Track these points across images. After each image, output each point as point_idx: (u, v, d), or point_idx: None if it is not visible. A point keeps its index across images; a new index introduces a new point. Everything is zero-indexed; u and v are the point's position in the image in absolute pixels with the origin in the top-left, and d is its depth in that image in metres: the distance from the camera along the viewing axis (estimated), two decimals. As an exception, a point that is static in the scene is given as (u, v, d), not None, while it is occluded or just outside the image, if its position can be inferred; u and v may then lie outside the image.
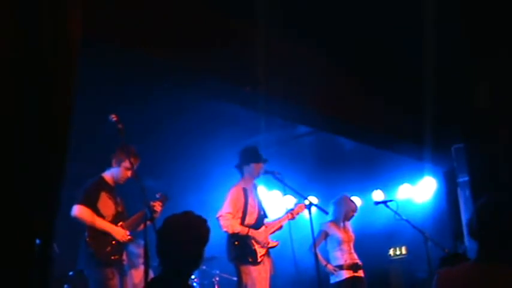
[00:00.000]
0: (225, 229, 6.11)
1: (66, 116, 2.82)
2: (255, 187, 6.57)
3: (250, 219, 6.32)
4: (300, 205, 6.54)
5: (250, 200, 6.36)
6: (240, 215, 6.26)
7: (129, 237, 5.76)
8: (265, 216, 6.52)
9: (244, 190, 6.36)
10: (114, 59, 5.00)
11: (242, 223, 6.25)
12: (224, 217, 6.13)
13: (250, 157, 6.40)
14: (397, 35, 6.13)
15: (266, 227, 6.41)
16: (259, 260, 6.18)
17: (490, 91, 6.39)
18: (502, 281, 2.79)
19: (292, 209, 6.54)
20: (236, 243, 6.15)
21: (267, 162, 6.41)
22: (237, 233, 6.16)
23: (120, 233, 5.71)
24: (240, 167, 6.46)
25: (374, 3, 5.66)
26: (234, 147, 7.27)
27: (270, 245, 6.35)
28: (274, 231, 6.45)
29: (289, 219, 6.46)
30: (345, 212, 7.48)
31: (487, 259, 2.87)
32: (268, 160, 6.44)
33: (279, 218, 6.58)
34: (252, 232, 6.22)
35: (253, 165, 6.38)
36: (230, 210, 6.20)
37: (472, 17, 5.83)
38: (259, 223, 6.36)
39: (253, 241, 6.21)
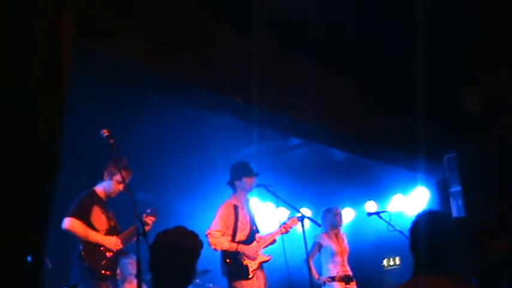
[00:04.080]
0: (213, 247, 6.12)
1: (56, 127, 2.80)
2: (247, 202, 6.57)
3: (241, 235, 6.33)
4: (292, 219, 6.55)
5: (240, 217, 6.37)
6: (231, 232, 6.28)
7: (121, 246, 5.74)
8: (257, 231, 6.51)
9: (235, 207, 6.37)
10: (104, 69, 4.99)
11: (233, 240, 6.27)
12: (212, 235, 6.15)
13: (241, 172, 6.41)
14: (389, 47, 6.15)
15: (258, 242, 6.41)
16: (251, 275, 6.19)
17: (482, 98, 6.43)
18: None
19: (285, 223, 6.53)
20: (228, 260, 6.17)
21: (259, 176, 6.42)
22: (226, 250, 6.17)
23: (112, 242, 5.70)
24: (231, 183, 6.47)
25: (364, 10, 5.67)
26: (227, 158, 7.26)
27: (261, 260, 6.34)
28: (266, 246, 6.45)
29: (282, 233, 6.45)
30: (331, 223, 7.49)
31: (421, 272, 2.89)
32: (260, 172, 6.45)
33: (272, 233, 6.57)
34: (242, 248, 6.23)
35: (245, 180, 6.39)
36: (219, 228, 6.23)
37: (463, 24, 5.87)
38: (250, 239, 6.37)
39: (243, 257, 6.21)
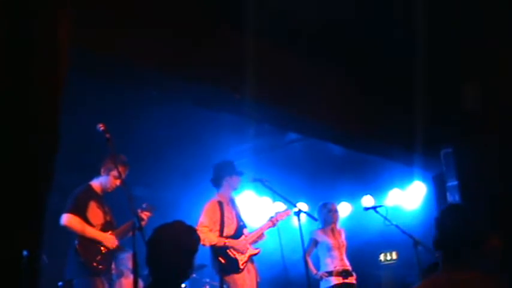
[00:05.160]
0: (201, 242, 6.09)
1: (53, 125, 2.79)
2: (232, 200, 6.63)
3: (229, 230, 6.37)
4: (280, 213, 6.60)
5: (226, 212, 6.42)
6: (218, 227, 6.32)
7: (117, 244, 5.75)
8: (244, 226, 6.54)
9: (220, 203, 6.42)
10: (105, 69, 4.99)
11: (221, 235, 6.31)
12: (201, 230, 6.13)
13: (231, 170, 6.50)
14: (388, 44, 6.16)
15: (246, 236, 6.44)
16: (241, 267, 6.23)
17: (479, 94, 6.44)
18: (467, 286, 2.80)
19: (273, 217, 6.56)
20: (221, 259, 6.18)
21: (256, 171, 6.48)
22: (215, 245, 6.20)
23: (110, 240, 5.71)
24: (218, 180, 6.51)
25: (364, 10, 5.67)
26: (225, 153, 7.27)
27: (251, 253, 6.38)
28: (255, 240, 6.48)
29: (270, 227, 6.50)
30: (325, 219, 7.48)
31: (451, 267, 2.88)
32: (256, 167, 6.51)
33: (260, 227, 6.61)
34: (230, 242, 6.28)
35: (234, 178, 6.48)
36: (206, 224, 6.27)
37: (463, 24, 5.88)
38: (238, 233, 6.42)
39: (232, 250, 6.25)
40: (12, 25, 2.67)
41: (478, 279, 2.82)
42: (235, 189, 6.60)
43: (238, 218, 6.54)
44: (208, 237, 6.17)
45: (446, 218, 2.98)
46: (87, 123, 5.08)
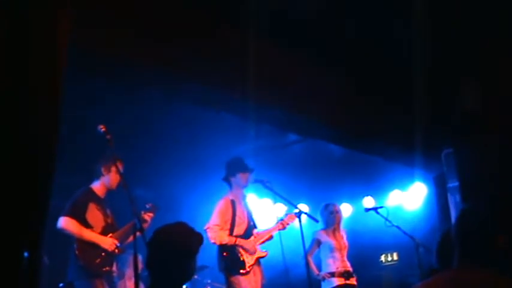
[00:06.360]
0: (212, 240, 6.13)
1: (53, 126, 2.79)
2: (244, 197, 6.60)
3: (239, 230, 6.35)
4: (290, 215, 6.59)
5: (238, 212, 6.39)
6: (228, 226, 6.30)
7: (117, 246, 5.73)
8: (254, 226, 6.53)
9: (232, 202, 6.40)
10: (105, 69, 4.98)
11: (231, 234, 6.29)
12: (211, 229, 6.16)
13: (236, 167, 6.46)
14: (387, 44, 6.16)
15: (255, 237, 6.44)
16: (248, 269, 6.21)
17: (479, 94, 6.44)
18: (481, 285, 2.80)
19: (282, 219, 6.55)
20: (225, 254, 6.19)
21: (254, 171, 6.46)
22: (225, 244, 6.19)
23: (107, 242, 5.68)
24: (227, 179, 6.51)
25: (362, 6, 5.67)
26: (226, 155, 7.26)
27: (259, 255, 6.36)
28: (264, 241, 6.48)
29: (279, 230, 6.48)
30: (327, 220, 7.47)
31: (468, 266, 2.87)
32: (256, 168, 6.48)
33: (269, 228, 6.60)
34: (240, 241, 6.26)
35: (240, 175, 6.44)
36: (217, 222, 6.24)
37: (463, 22, 5.87)
38: (248, 233, 6.41)
39: (241, 250, 6.25)
40: (12, 25, 2.67)
41: (480, 279, 2.81)
42: (244, 186, 6.55)
43: (250, 218, 6.53)
44: (219, 235, 6.18)
45: (461, 220, 2.98)
46: (87, 123, 5.08)
